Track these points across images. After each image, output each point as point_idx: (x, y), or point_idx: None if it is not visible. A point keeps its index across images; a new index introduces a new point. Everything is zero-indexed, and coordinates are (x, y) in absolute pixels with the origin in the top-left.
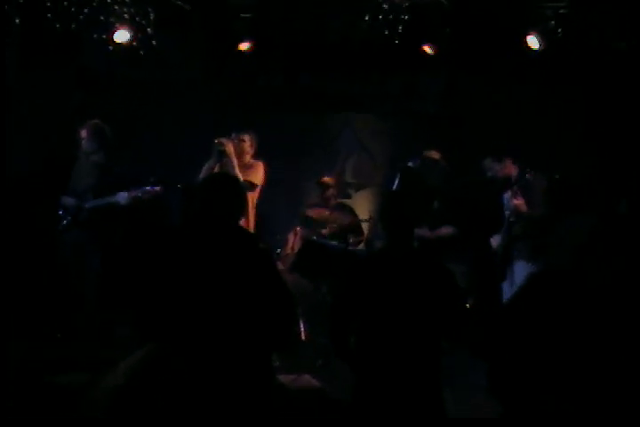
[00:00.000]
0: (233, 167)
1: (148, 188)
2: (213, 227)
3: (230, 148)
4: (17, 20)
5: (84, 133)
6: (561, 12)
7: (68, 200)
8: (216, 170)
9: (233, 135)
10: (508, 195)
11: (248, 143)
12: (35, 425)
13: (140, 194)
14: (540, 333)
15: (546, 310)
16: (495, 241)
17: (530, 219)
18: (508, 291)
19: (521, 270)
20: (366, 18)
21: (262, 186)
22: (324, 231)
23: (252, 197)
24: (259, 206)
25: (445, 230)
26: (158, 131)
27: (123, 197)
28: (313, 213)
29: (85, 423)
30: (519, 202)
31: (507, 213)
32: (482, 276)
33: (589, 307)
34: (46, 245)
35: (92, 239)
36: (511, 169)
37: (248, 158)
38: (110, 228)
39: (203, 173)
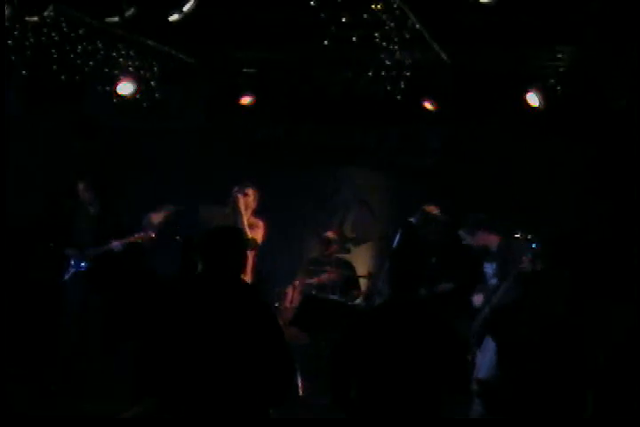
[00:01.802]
0: (242, 223)
1: (137, 234)
2: (216, 280)
3: (242, 203)
4: (23, 72)
5: (81, 186)
6: (561, 70)
7: (71, 251)
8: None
9: (236, 189)
10: (490, 266)
11: (252, 198)
12: None
13: (131, 240)
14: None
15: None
16: (477, 300)
17: None
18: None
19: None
20: (369, 73)
21: (260, 246)
22: (323, 277)
23: (251, 255)
24: (257, 261)
25: (444, 287)
26: (158, 180)
27: (116, 245)
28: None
29: None
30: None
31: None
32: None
33: None
34: (52, 296)
35: (96, 289)
36: (487, 239)
37: (250, 214)
38: (110, 275)
39: (210, 222)
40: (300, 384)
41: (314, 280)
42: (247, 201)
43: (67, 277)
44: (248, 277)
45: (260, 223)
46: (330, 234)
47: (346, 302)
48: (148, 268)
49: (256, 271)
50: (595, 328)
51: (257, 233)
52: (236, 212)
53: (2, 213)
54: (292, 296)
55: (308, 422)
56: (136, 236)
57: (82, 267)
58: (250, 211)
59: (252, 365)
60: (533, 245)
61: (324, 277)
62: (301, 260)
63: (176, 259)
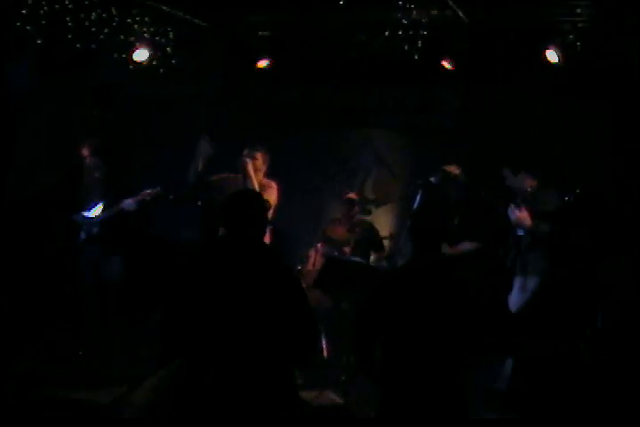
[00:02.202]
0: (253, 186)
1: (148, 190)
2: (238, 244)
3: (251, 167)
4: (38, 41)
5: (85, 152)
6: (579, 25)
7: (79, 217)
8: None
9: (245, 152)
10: (511, 207)
11: (260, 160)
12: None
13: (143, 197)
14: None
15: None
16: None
17: (536, 233)
18: (514, 302)
19: (531, 282)
20: (386, 33)
21: (275, 206)
22: (346, 249)
23: (267, 217)
24: (277, 224)
25: (467, 246)
26: (175, 146)
27: (128, 203)
28: (332, 232)
29: None
30: (522, 215)
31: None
32: (492, 288)
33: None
34: (65, 263)
35: (108, 252)
36: (527, 182)
37: (261, 176)
38: (125, 237)
39: (225, 189)
40: (324, 346)
41: (348, 248)
42: (256, 164)
43: (79, 242)
44: (267, 239)
45: (273, 184)
46: (351, 195)
47: (368, 263)
48: (161, 230)
49: (277, 233)
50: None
51: (270, 194)
52: (246, 175)
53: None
54: (314, 259)
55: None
56: (147, 192)
57: (92, 231)
58: (261, 173)
59: (276, 328)
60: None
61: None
62: (323, 222)
63: (196, 224)
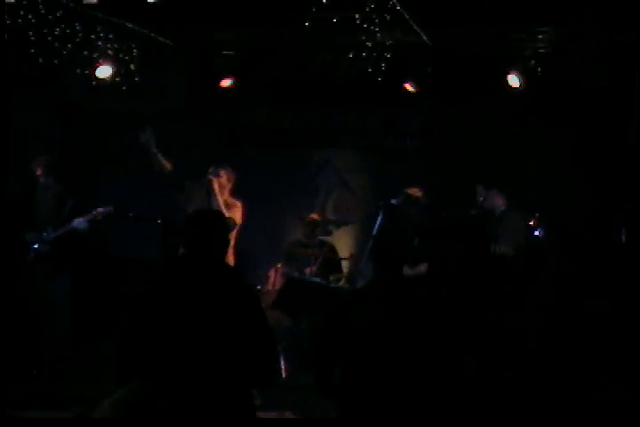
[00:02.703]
0: (218, 204)
1: (100, 209)
2: (199, 263)
3: (216, 185)
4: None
5: (39, 170)
6: (540, 51)
7: (30, 235)
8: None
9: (211, 170)
10: None
11: (225, 178)
12: None
13: (94, 216)
14: None
15: None
16: None
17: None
18: None
19: None
20: (350, 55)
21: (240, 226)
22: (307, 270)
23: (232, 236)
24: (238, 244)
25: (425, 267)
26: (136, 163)
27: (79, 222)
28: (292, 253)
29: None
30: None
31: None
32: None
33: None
34: (14, 281)
35: (59, 270)
36: (496, 200)
37: (227, 195)
38: (75, 256)
39: (190, 208)
40: (282, 367)
41: (309, 270)
42: (221, 182)
43: (27, 260)
44: (230, 258)
45: (238, 203)
46: (312, 216)
47: (328, 284)
48: (115, 249)
49: (238, 253)
50: None
51: (235, 213)
52: (211, 193)
53: None
54: (274, 279)
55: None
56: (99, 211)
57: (42, 250)
58: (226, 191)
59: (235, 347)
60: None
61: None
62: (283, 243)
63: (155, 242)
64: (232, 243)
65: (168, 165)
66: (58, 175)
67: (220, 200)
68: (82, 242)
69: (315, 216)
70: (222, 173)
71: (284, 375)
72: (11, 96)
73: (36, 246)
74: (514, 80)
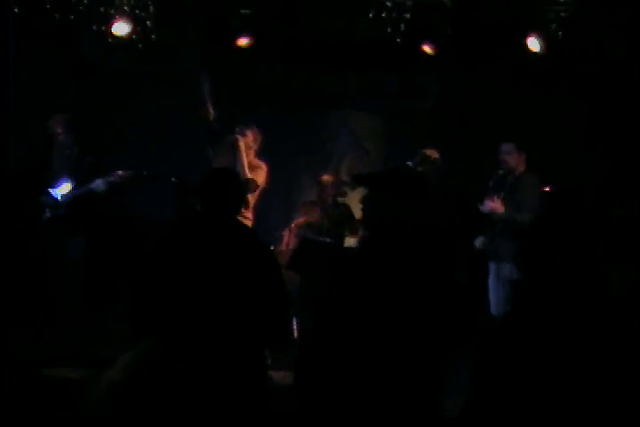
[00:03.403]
0: (242, 164)
1: (120, 172)
2: (213, 222)
3: (242, 144)
4: (15, 10)
5: (59, 128)
6: (562, 15)
7: (45, 196)
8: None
9: (237, 129)
10: (485, 199)
11: (251, 138)
12: (32, 421)
13: (113, 178)
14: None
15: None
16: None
17: (513, 222)
18: (492, 287)
19: (504, 269)
20: (369, 15)
21: (262, 188)
22: (321, 230)
23: (252, 198)
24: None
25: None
26: (153, 124)
27: (97, 184)
28: (306, 214)
29: (84, 421)
30: (494, 205)
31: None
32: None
33: None
34: (29, 243)
35: (74, 232)
36: (517, 159)
37: (252, 156)
38: (91, 218)
39: (215, 164)
40: (294, 327)
41: (307, 220)
42: (247, 142)
43: (43, 222)
44: (249, 219)
45: (263, 165)
46: (326, 177)
47: (342, 245)
48: (133, 210)
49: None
50: None
51: (259, 175)
52: (237, 153)
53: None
54: (288, 239)
55: None
56: (117, 174)
57: (58, 213)
58: (251, 152)
59: (250, 307)
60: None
61: (316, 216)
62: (298, 203)
63: (170, 201)
64: (252, 204)
65: (212, 114)
66: (76, 134)
67: (245, 160)
68: (98, 204)
69: (327, 177)
70: (249, 132)
71: (295, 335)
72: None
73: (58, 211)
74: (534, 44)
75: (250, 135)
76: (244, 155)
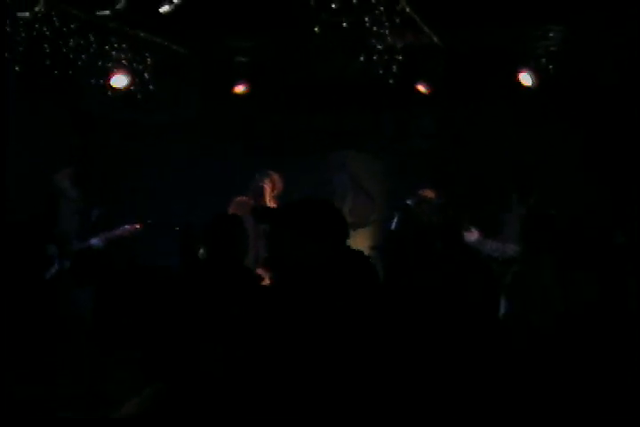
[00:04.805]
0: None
1: (127, 226)
2: (220, 268)
3: (269, 189)
4: (16, 68)
5: (65, 183)
6: (551, 49)
7: (52, 248)
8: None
9: (257, 176)
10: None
11: (278, 184)
12: None
13: (114, 234)
14: None
15: None
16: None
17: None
18: None
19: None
20: (361, 58)
21: None
22: None
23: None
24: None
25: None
26: (155, 172)
27: (96, 242)
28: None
29: None
30: (473, 236)
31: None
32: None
33: None
34: (37, 294)
35: (81, 284)
36: None
37: (272, 201)
38: (96, 269)
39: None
40: None
41: None
42: (273, 187)
43: (49, 275)
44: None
45: None
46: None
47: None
48: (139, 258)
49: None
50: None
51: None
52: (261, 198)
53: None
54: None
55: None
56: (124, 229)
57: (64, 264)
58: (267, 197)
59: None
60: None
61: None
62: None
63: (171, 248)
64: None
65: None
66: (83, 187)
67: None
68: (101, 257)
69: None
70: (274, 177)
71: None
72: (15, 100)
73: (64, 261)
74: (526, 78)
75: (276, 180)
76: (268, 200)
